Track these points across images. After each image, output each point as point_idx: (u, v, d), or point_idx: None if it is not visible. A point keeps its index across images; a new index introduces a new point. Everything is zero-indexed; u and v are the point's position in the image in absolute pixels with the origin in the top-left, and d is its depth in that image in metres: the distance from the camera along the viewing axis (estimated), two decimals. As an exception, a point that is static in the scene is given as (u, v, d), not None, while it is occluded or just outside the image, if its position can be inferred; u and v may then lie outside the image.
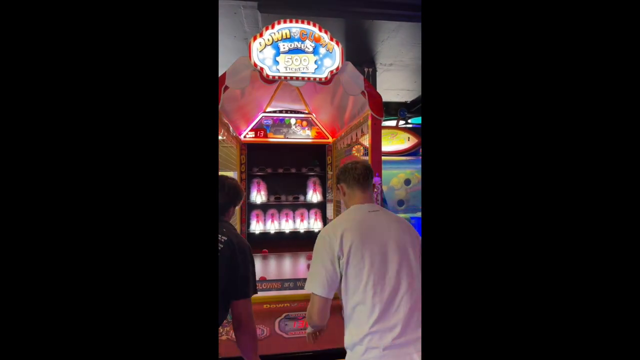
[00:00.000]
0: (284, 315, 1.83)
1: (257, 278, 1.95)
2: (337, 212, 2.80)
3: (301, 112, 3.07)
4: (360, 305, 1.02)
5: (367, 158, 2.02)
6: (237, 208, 1.40)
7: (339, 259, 1.04)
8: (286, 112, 3.06)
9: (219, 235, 1.16)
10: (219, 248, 1.14)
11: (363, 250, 1.03)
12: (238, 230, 2.89)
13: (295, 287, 1.93)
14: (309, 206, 3.16)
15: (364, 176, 1.19)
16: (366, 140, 2.08)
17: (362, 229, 1.07)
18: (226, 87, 1.76)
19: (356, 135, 2.32)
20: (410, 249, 1.08)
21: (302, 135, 3.08)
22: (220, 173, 2.18)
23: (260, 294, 1.92)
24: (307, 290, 1.08)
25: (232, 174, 2.93)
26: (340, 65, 1.83)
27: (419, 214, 3.80)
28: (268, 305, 1.84)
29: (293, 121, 3.07)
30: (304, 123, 3.09)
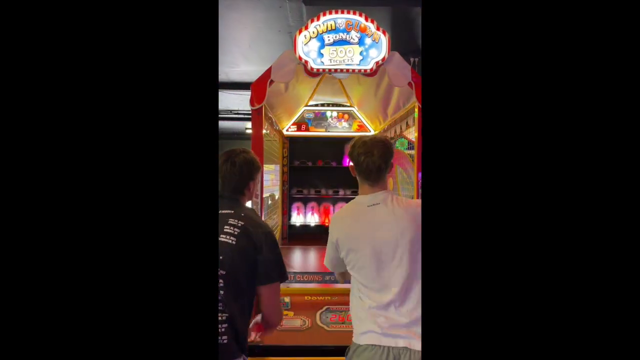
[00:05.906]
0: (325, 307, 1.84)
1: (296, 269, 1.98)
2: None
3: (343, 105, 3.04)
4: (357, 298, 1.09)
5: (412, 152, 1.95)
6: (258, 185, 1.31)
7: (338, 252, 1.12)
8: (327, 105, 3.04)
9: (236, 221, 1.08)
10: (235, 234, 1.06)
11: (355, 253, 1.07)
12: (279, 222, 2.95)
13: (336, 281, 1.93)
14: (348, 200, 3.14)
15: (376, 171, 1.06)
16: (411, 134, 2.01)
17: (354, 232, 1.09)
18: (271, 82, 1.78)
19: (400, 128, 2.25)
20: (405, 246, 1.04)
21: (343, 128, 3.06)
22: (265, 163, 2.22)
23: (300, 285, 1.96)
24: None
25: (273, 167, 2.99)
26: (386, 56, 1.77)
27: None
28: (309, 297, 1.86)
29: (334, 114, 3.05)
30: (346, 116, 3.06)
